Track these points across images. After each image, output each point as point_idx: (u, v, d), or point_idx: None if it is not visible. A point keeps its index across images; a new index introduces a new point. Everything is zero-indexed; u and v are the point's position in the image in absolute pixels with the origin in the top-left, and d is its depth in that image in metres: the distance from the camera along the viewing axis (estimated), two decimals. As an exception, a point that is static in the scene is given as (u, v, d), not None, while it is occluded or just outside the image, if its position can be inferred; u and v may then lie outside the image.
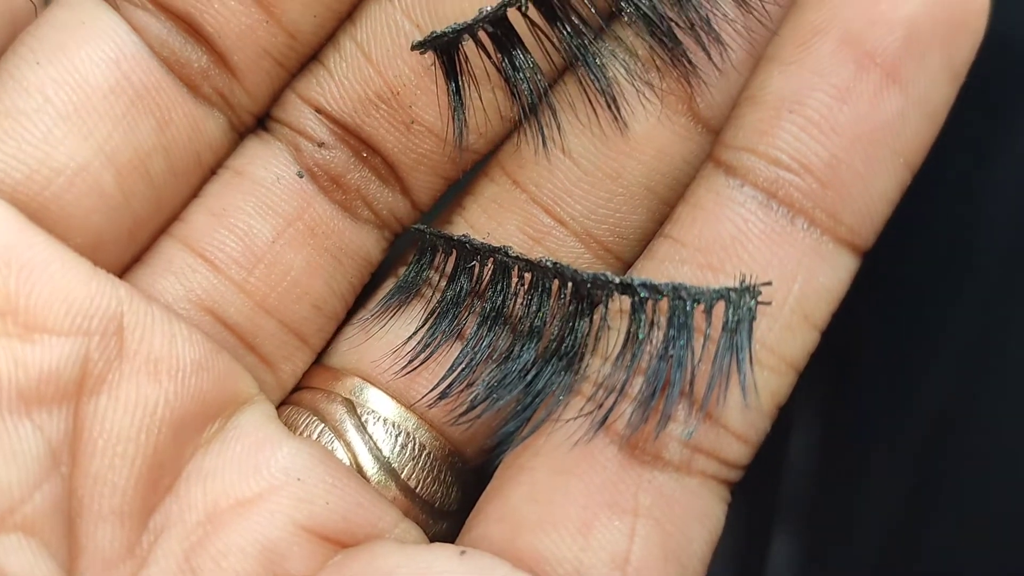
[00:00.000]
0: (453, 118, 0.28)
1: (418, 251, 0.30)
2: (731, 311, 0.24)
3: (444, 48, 0.27)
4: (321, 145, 0.29)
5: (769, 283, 0.24)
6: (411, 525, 0.28)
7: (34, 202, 0.25)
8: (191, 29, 0.27)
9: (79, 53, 0.26)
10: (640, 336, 0.25)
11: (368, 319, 0.30)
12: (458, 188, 0.30)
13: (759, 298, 0.24)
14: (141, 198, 0.27)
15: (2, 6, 0.26)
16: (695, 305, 0.24)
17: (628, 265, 0.28)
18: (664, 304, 0.25)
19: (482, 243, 0.28)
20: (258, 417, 0.27)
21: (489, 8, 0.26)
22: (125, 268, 0.28)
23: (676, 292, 0.24)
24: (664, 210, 0.28)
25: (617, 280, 0.25)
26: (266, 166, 0.29)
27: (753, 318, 0.24)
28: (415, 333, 0.29)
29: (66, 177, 0.25)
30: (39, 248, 0.25)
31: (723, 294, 0.24)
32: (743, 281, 0.24)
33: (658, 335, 0.25)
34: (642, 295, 0.25)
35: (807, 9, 0.25)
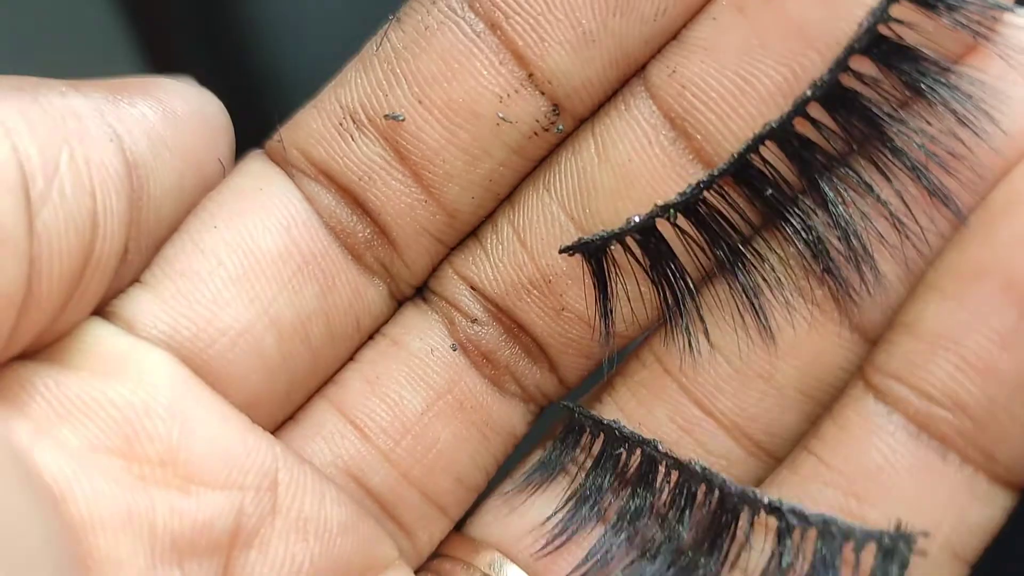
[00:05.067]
0: (601, 312, 0.28)
1: (565, 429, 0.30)
2: (883, 557, 0.23)
3: (592, 252, 0.27)
4: (474, 321, 0.29)
5: (927, 533, 0.23)
6: None
7: (198, 358, 0.26)
8: (357, 203, 0.28)
9: (253, 219, 0.27)
10: (784, 564, 0.24)
11: (511, 492, 0.30)
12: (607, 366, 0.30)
13: (915, 546, 0.23)
14: (299, 360, 0.28)
15: (197, 171, 0.27)
16: (844, 542, 0.24)
17: (780, 462, 0.28)
18: (812, 533, 0.24)
19: (632, 432, 0.28)
20: None
21: (638, 217, 0.26)
22: (278, 426, 0.29)
23: (827, 526, 0.24)
24: (818, 412, 0.27)
25: (766, 500, 0.25)
26: (422, 337, 0.29)
27: (906, 566, 0.23)
28: (556, 512, 0.29)
29: (230, 337, 0.27)
30: (202, 403, 0.26)
31: (875, 536, 0.23)
32: (898, 526, 0.23)
33: (803, 565, 0.24)
34: (791, 522, 0.24)
35: (971, 245, 0.24)
